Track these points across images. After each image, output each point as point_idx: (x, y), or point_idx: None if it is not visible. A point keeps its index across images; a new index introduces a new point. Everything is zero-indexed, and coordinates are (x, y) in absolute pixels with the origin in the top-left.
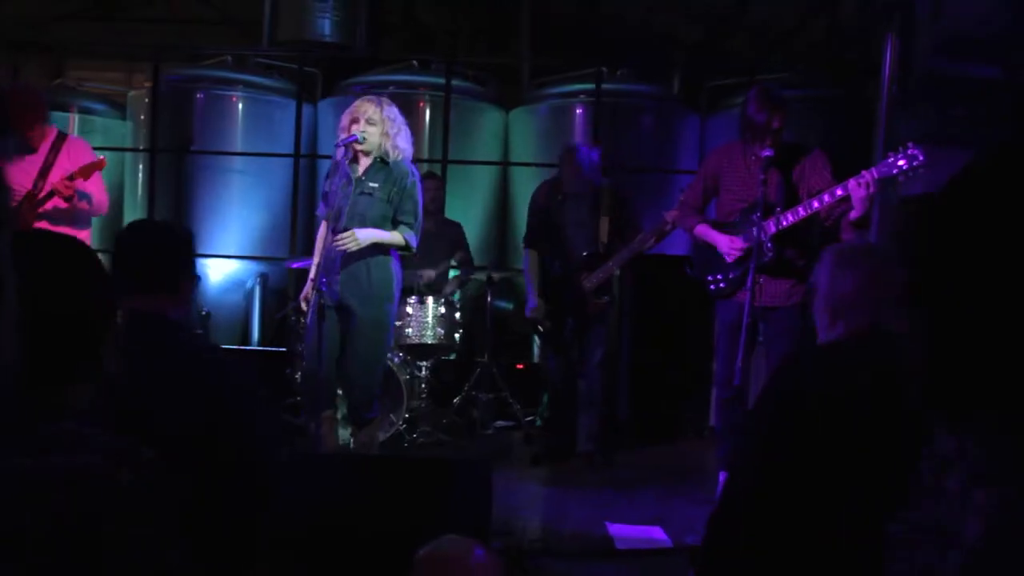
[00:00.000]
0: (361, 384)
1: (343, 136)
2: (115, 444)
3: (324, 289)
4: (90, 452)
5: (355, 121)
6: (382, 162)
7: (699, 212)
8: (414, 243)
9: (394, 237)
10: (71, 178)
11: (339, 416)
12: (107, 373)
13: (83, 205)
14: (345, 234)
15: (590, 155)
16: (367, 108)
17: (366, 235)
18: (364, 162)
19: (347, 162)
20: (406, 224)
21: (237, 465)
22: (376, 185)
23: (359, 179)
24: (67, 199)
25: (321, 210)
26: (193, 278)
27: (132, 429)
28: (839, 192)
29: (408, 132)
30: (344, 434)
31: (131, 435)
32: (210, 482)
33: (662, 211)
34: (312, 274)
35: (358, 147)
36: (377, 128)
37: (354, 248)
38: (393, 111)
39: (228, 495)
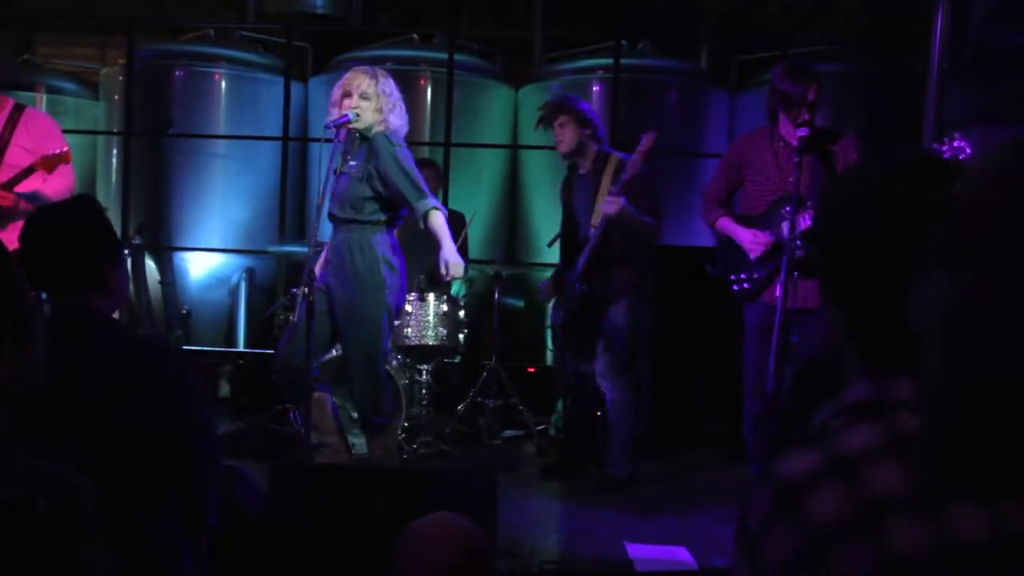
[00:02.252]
0: (361, 385)
1: (335, 113)
2: (36, 472)
3: (318, 284)
4: (5, 483)
5: (347, 95)
6: (362, 138)
7: (723, 205)
8: (438, 204)
9: (437, 225)
10: (8, 187)
11: (354, 417)
12: (28, 385)
13: (28, 207)
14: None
15: (580, 105)
16: (361, 80)
17: (451, 255)
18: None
19: (340, 143)
20: (416, 199)
21: (168, 460)
22: (355, 163)
23: (344, 159)
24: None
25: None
26: (121, 263)
27: (60, 438)
28: None
29: (403, 109)
30: (359, 443)
31: (59, 457)
32: (141, 477)
33: (688, 194)
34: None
35: (352, 127)
36: (371, 103)
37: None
38: (390, 84)
39: (161, 490)
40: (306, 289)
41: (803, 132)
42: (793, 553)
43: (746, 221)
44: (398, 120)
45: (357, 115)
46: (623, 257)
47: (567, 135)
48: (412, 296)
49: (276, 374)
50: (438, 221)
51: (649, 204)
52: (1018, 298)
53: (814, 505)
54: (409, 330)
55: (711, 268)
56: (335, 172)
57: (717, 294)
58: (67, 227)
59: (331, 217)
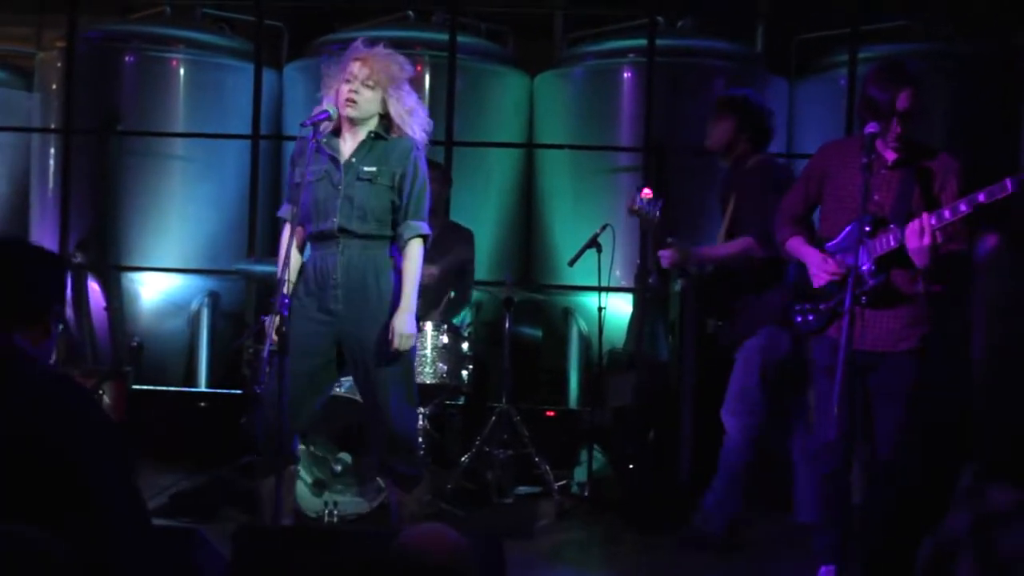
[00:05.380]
0: (392, 431)
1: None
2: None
3: (286, 313)
4: None
5: (349, 80)
6: (376, 137)
7: (798, 222)
8: (427, 230)
9: (413, 270)
10: None
11: (309, 480)
12: None
13: None
14: (395, 347)
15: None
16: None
17: (403, 325)
18: (350, 140)
19: (323, 141)
20: (416, 217)
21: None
22: (373, 169)
23: (349, 163)
24: None
25: (284, 210)
26: (59, 311)
27: None
28: (892, 243)
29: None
30: (316, 503)
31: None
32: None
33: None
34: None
35: (349, 112)
36: (375, 94)
37: (408, 344)
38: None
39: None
40: (275, 319)
41: (871, 128)
42: None
43: (819, 244)
44: (426, 126)
45: (355, 101)
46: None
47: (718, 130)
48: None
49: (259, 441)
50: (415, 255)
51: (750, 215)
52: None
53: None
54: None
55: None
56: (332, 175)
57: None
58: (27, 252)
59: (340, 231)
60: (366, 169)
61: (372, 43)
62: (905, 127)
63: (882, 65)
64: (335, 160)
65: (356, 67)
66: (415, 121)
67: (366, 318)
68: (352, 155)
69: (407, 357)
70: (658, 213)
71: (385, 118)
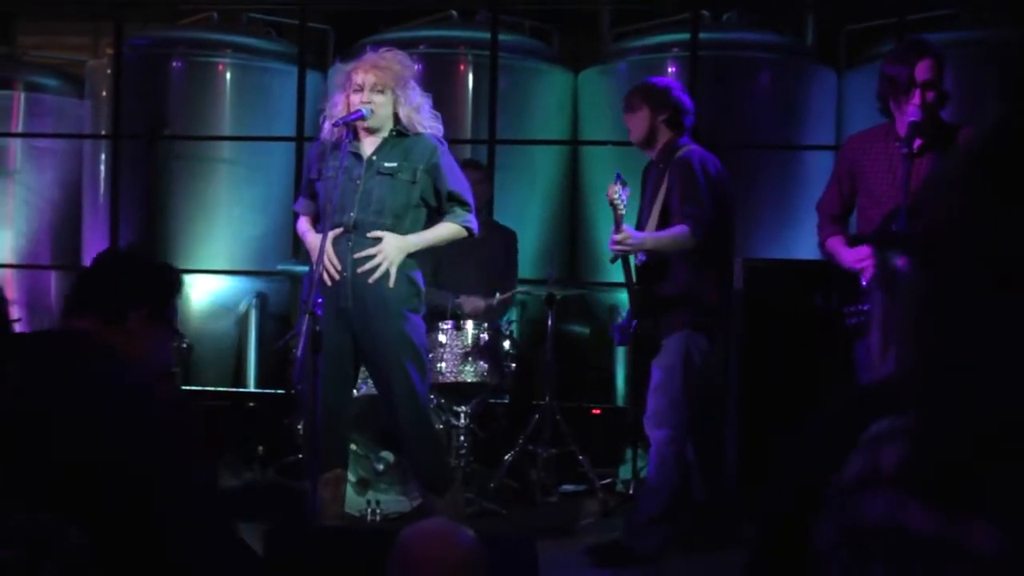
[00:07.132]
0: (417, 420)
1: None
2: (38, 531)
3: (320, 313)
4: (8, 542)
5: (358, 90)
6: (398, 135)
7: (837, 221)
8: (476, 227)
9: (440, 233)
10: None
11: (353, 479)
12: None
13: None
14: (371, 252)
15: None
16: (374, 73)
17: (398, 245)
18: (370, 141)
19: (347, 142)
20: (459, 210)
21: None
22: (394, 164)
23: (370, 159)
24: None
25: (300, 204)
26: (143, 309)
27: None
28: None
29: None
30: (359, 501)
31: (55, 514)
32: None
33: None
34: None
35: (363, 124)
36: (386, 98)
37: (387, 266)
38: (411, 71)
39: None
40: (309, 319)
41: (913, 117)
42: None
43: (858, 242)
44: (433, 121)
45: (372, 111)
46: (674, 284)
47: (635, 122)
48: (447, 324)
49: (317, 440)
50: (450, 226)
51: (685, 199)
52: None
53: None
54: (443, 364)
55: (820, 301)
56: (353, 171)
57: (831, 325)
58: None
59: (356, 225)
60: (387, 164)
61: (355, 55)
62: (924, 99)
63: (900, 43)
64: (358, 156)
65: (359, 76)
66: (422, 118)
67: (374, 312)
68: (374, 152)
69: (416, 353)
70: (626, 203)
71: (397, 117)
